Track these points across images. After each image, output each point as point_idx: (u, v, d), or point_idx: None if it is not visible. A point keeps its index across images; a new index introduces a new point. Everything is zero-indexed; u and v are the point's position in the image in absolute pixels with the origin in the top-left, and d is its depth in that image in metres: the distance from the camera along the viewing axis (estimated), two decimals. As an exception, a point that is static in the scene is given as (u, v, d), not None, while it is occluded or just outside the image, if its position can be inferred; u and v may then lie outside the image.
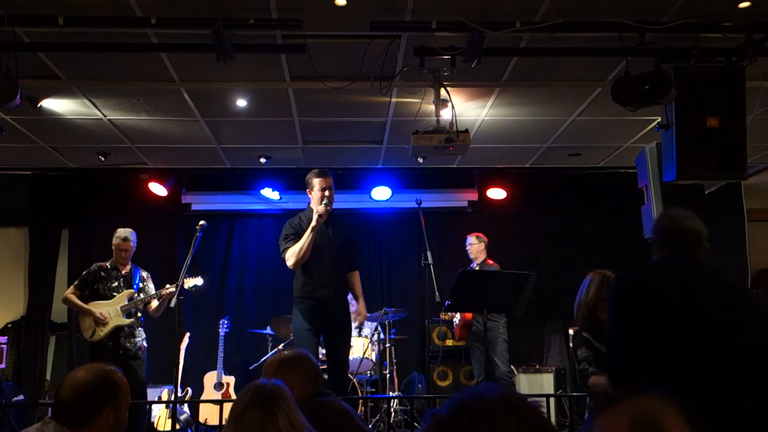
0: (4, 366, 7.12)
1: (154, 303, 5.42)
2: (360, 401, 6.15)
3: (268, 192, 7.50)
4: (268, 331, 6.81)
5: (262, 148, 6.45)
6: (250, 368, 6.87)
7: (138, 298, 5.40)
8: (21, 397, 6.84)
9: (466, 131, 4.37)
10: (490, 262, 6.48)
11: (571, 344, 7.00)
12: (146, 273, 5.62)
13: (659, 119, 4.31)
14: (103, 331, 5.26)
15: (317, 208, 4.60)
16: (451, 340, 7.19)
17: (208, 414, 6.06)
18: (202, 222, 4.90)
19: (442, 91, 4.39)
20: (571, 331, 7.11)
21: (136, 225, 5.76)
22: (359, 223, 7.58)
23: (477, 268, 6.39)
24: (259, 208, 7.80)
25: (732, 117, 4.06)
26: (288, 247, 4.63)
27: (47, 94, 4.96)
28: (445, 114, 4.46)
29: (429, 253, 5.20)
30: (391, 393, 6.33)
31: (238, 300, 7.79)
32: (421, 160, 5.82)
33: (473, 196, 7.89)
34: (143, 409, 5.39)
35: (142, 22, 3.81)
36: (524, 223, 8.06)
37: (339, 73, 4.45)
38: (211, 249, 7.68)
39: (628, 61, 4.04)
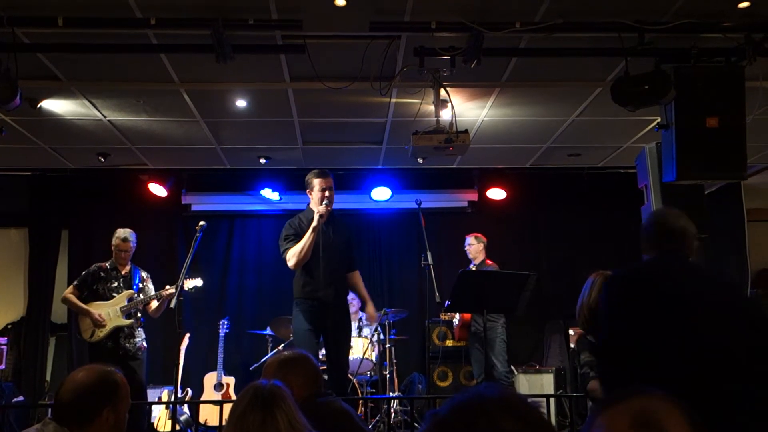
0: (3, 367, 7.11)
1: (154, 303, 5.42)
2: (360, 402, 6.14)
3: (267, 192, 7.50)
4: (268, 331, 6.81)
5: (261, 148, 6.45)
6: (250, 369, 6.87)
7: (138, 298, 5.39)
8: (21, 398, 6.84)
9: (466, 131, 4.37)
10: (489, 262, 6.48)
11: (572, 345, 7.02)
12: (146, 273, 5.62)
13: (659, 119, 4.31)
14: (102, 332, 5.25)
15: (318, 208, 4.60)
16: (451, 341, 7.19)
17: (208, 415, 6.06)
18: (202, 222, 4.91)
19: (442, 92, 4.39)
20: (571, 332, 7.12)
21: (136, 226, 5.76)
22: (359, 223, 7.60)
23: (473, 269, 6.39)
24: (259, 209, 7.80)
25: (732, 117, 4.06)
26: (288, 248, 4.63)
27: (47, 94, 4.96)
28: (445, 114, 4.46)
29: (429, 254, 5.20)
30: (391, 393, 6.32)
31: (238, 300, 7.79)
32: (420, 161, 5.82)
33: (473, 196, 7.90)
34: (143, 410, 5.39)
35: (141, 22, 3.81)
36: (524, 224, 8.07)
37: (339, 73, 4.44)
38: (211, 249, 7.68)
39: (627, 61, 4.04)
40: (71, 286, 5.47)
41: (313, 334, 4.66)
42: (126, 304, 5.33)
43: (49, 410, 4.17)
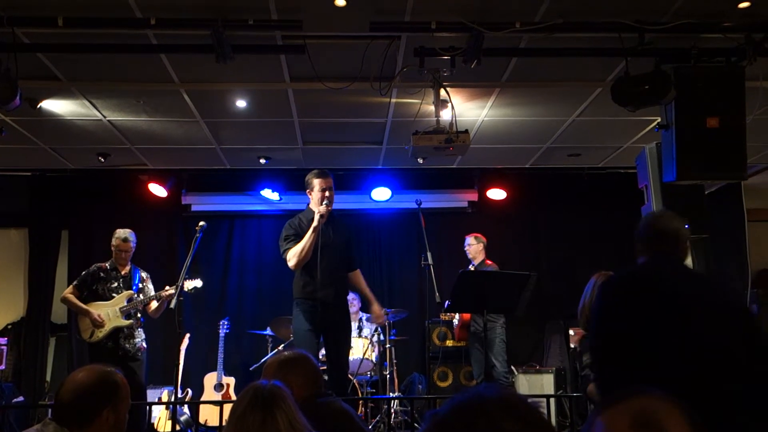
0: (3, 367, 7.11)
1: (154, 304, 5.42)
2: (360, 402, 6.15)
3: (267, 193, 7.50)
4: (268, 332, 6.81)
5: (261, 148, 6.45)
6: (251, 369, 6.87)
7: (137, 299, 5.39)
8: (21, 398, 6.84)
9: (466, 132, 4.37)
10: (489, 262, 6.48)
11: (572, 345, 7.02)
12: (146, 274, 5.62)
13: (659, 119, 4.31)
14: (101, 332, 5.25)
15: (319, 208, 4.59)
16: (451, 341, 7.19)
17: (208, 415, 6.06)
18: (202, 223, 4.90)
19: (442, 92, 4.39)
20: (571, 332, 7.11)
21: (136, 226, 5.75)
22: (359, 223, 7.60)
23: (472, 269, 6.39)
24: (259, 209, 7.80)
25: (732, 117, 4.06)
26: (289, 248, 4.62)
27: (47, 95, 4.96)
28: (445, 114, 4.46)
29: (429, 254, 5.20)
30: (391, 394, 6.32)
31: (238, 301, 7.79)
32: (421, 161, 5.81)
33: (473, 196, 7.90)
34: (143, 411, 5.39)
35: (141, 23, 3.81)
36: (524, 224, 8.07)
37: (339, 73, 4.44)
38: (211, 250, 7.68)
39: (627, 61, 4.04)
40: (71, 286, 5.47)
41: (314, 335, 4.65)
42: (125, 304, 5.33)
43: (49, 411, 4.18)
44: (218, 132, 5.91)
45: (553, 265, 7.81)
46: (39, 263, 7.61)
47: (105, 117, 5.42)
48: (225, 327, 6.77)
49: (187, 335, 6.65)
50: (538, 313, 7.41)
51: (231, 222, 7.96)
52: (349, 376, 5.81)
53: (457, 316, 6.61)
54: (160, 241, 7.69)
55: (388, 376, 6.34)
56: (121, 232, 5.47)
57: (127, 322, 5.31)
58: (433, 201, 7.53)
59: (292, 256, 4.59)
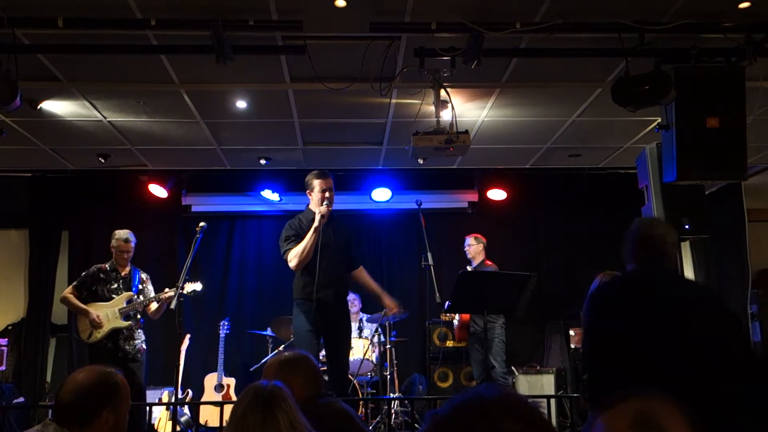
0: (4, 368, 7.11)
1: (153, 305, 5.42)
2: (360, 402, 6.14)
3: (268, 193, 7.50)
4: (269, 332, 6.81)
5: (262, 149, 6.45)
6: (251, 370, 6.87)
7: (137, 300, 5.39)
8: (21, 399, 6.84)
9: (466, 132, 4.37)
10: (489, 263, 6.48)
11: (572, 345, 7.02)
12: (145, 275, 5.62)
13: (659, 120, 4.31)
14: (99, 333, 5.25)
15: (319, 209, 4.60)
16: (451, 341, 7.19)
17: (209, 416, 6.05)
18: (202, 223, 4.90)
19: (442, 92, 4.39)
20: (572, 332, 7.11)
21: (136, 227, 5.76)
22: (359, 224, 7.59)
23: (470, 269, 6.39)
24: (259, 210, 7.80)
25: (732, 117, 4.06)
26: (289, 249, 4.62)
27: (47, 95, 4.96)
28: (445, 115, 4.46)
29: (429, 254, 5.19)
30: (391, 394, 6.32)
31: (238, 301, 7.79)
32: (421, 161, 5.82)
33: (473, 197, 7.90)
34: (143, 411, 5.39)
35: (141, 23, 3.81)
36: (524, 224, 8.07)
37: (339, 74, 4.44)
38: (211, 250, 7.69)
39: (628, 61, 4.04)
40: (70, 287, 5.47)
41: (314, 335, 4.65)
42: (125, 305, 5.33)
43: (50, 411, 4.18)
44: (218, 132, 5.92)
45: (553, 266, 7.81)
46: (39, 264, 7.61)
47: (105, 118, 5.42)
48: (225, 327, 6.77)
49: (188, 336, 6.65)
50: (538, 313, 7.41)
51: (231, 223, 7.96)
52: (350, 376, 5.81)
53: (457, 316, 6.61)
54: (160, 242, 7.70)
55: (388, 376, 6.34)
56: (121, 233, 5.47)
57: (125, 324, 5.31)
58: (433, 201, 7.53)
59: (294, 257, 4.59)
